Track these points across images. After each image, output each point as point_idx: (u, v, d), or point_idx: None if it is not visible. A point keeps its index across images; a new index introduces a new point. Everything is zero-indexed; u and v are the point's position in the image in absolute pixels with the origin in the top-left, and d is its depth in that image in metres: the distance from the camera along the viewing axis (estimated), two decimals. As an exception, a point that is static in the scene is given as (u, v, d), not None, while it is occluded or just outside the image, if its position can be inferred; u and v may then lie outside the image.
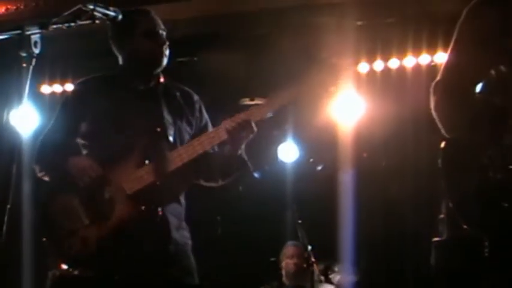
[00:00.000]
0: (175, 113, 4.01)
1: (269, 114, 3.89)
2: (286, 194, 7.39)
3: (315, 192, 7.42)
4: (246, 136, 3.83)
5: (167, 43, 4.02)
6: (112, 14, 3.10)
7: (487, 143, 3.01)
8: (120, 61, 4.11)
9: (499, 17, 3.11)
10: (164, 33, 4.03)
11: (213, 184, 4.16)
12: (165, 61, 4.02)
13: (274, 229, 7.31)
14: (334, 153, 7.33)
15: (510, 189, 2.91)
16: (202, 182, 4.18)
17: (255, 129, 3.82)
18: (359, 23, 6.88)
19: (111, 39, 4.10)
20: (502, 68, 3.14)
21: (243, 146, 3.90)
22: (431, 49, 6.94)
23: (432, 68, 6.95)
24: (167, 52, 4.02)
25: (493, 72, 3.18)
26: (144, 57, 4.00)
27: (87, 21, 2.99)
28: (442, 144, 3.17)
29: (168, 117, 3.96)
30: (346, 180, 7.29)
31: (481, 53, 3.15)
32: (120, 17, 3.13)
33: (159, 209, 3.79)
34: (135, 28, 3.98)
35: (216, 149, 4.00)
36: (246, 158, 4.00)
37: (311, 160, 7.97)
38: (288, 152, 7.83)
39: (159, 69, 4.03)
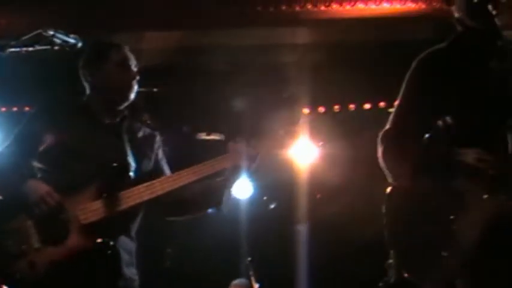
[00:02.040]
0: (137, 150, 3.99)
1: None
2: (238, 231, 7.39)
3: (267, 230, 7.44)
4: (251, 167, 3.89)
5: (137, 78, 4.01)
6: (72, 41, 3.10)
7: (430, 193, 3.07)
8: (88, 90, 4.09)
9: (447, 70, 3.20)
10: (136, 68, 4.03)
11: (178, 217, 4.16)
12: (132, 95, 4.00)
13: (224, 265, 7.29)
14: (288, 192, 7.37)
15: (450, 239, 2.96)
16: (165, 217, 4.17)
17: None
18: (319, 65, 6.97)
19: (82, 67, 4.07)
20: (448, 119, 3.21)
21: (234, 183, 3.93)
22: (389, 95, 7.03)
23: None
24: (136, 86, 4.01)
25: (440, 123, 3.26)
26: (113, 88, 3.96)
27: (46, 47, 2.99)
28: (388, 190, 3.23)
29: (129, 154, 3.95)
30: (300, 221, 7.33)
31: (428, 105, 3.22)
32: (79, 44, 3.14)
33: (111, 244, 3.78)
34: (108, 58, 3.97)
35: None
36: (226, 197, 3.99)
37: (265, 198, 7.99)
38: (242, 188, 7.84)
39: (126, 103, 4.01)
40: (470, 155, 3.04)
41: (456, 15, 3.26)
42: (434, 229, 3.02)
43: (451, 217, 2.98)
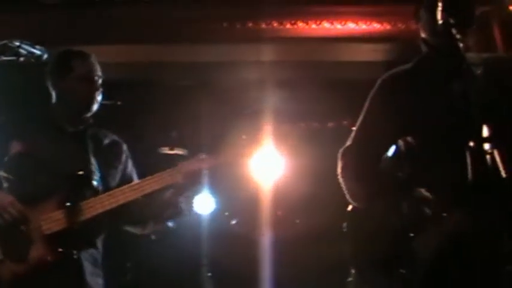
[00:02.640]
0: (101, 159, 3.99)
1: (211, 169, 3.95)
2: (199, 246, 7.38)
3: (228, 246, 7.43)
4: (195, 185, 3.88)
5: (101, 90, 4.01)
6: (38, 52, 3.10)
7: (389, 211, 3.10)
8: (53, 99, 4.08)
9: (410, 91, 3.24)
10: (100, 80, 4.02)
11: (139, 230, 4.15)
12: (95, 107, 4.00)
13: (184, 280, 7.26)
14: (250, 208, 7.37)
15: (409, 256, 2.99)
16: (129, 228, 4.16)
17: (203, 180, 3.87)
18: (283, 82, 7.01)
19: (48, 75, 4.07)
20: (409, 139, 3.25)
21: (186, 193, 3.93)
22: (352, 113, 7.08)
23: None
24: (99, 98, 4.00)
25: (401, 142, 3.29)
26: (75, 99, 3.96)
27: (12, 57, 2.98)
28: (349, 208, 3.26)
29: (94, 162, 3.94)
30: (261, 236, 7.33)
31: (390, 124, 3.26)
32: (45, 55, 3.14)
33: (75, 253, 3.76)
34: (72, 69, 3.97)
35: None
36: (183, 206, 4.00)
37: (226, 214, 7.99)
38: (204, 203, 7.83)
39: (88, 114, 4.01)
40: (428, 174, 3.08)
41: (422, 35, 3.31)
42: (393, 247, 3.05)
43: (411, 235, 3.01)
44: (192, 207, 7.76)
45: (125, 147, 4.20)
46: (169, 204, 3.97)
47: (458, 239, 2.95)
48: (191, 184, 3.91)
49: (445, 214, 2.98)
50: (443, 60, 3.10)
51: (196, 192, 7.77)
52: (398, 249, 3.03)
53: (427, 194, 3.04)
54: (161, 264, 7.55)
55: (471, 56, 3.22)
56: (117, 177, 4.07)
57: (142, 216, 4.05)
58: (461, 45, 2.93)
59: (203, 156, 3.96)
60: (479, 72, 3.15)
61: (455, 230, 2.96)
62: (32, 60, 3.05)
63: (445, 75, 3.10)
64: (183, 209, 4.04)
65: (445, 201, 2.99)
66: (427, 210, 3.01)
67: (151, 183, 3.86)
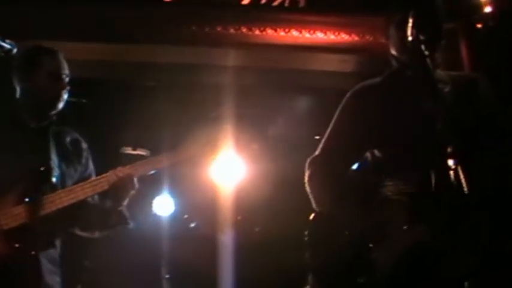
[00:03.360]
0: (62, 156, 3.97)
1: (152, 172, 3.92)
2: (157, 247, 7.35)
3: (187, 248, 7.41)
4: (127, 191, 3.83)
5: (67, 88, 3.99)
6: (7, 46, 3.07)
7: (352, 221, 3.12)
8: (17, 94, 4.05)
9: (379, 104, 3.28)
10: (67, 78, 4.00)
11: (88, 235, 4.13)
12: (61, 105, 3.98)
13: (141, 281, 7.23)
14: (209, 212, 7.37)
15: (367, 266, 3.02)
16: (78, 231, 4.13)
17: (137, 185, 3.83)
18: (249, 88, 7.02)
19: (15, 69, 4.03)
20: (376, 152, 3.29)
21: (125, 202, 3.90)
22: (316, 122, 7.12)
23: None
24: (65, 96, 3.98)
25: (368, 155, 3.33)
26: (41, 95, 3.94)
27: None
28: (311, 217, 3.28)
29: (54, 159, 3.91)
30: (220, 240, 7.33)
31: (358, 137, 3.30)
32: (15, 50, 3.11)
33: (32, 250, 3.72)
34: (40, 65, 3.94)
35: (97, 200, 3.98)
36: (127, 214, 3.98)
37: (185, 216, 7.97)
38: (163, 205, 7.81)
39: (53, 112, 3.98)
40: (392, 187, 3.12)
41: (392, 51, 3.35)
42: (353, 256, 3.08)
43: (370, 245, 3.04)
44: (152, 208, 7.75)
45: (85, 146, 4.18)
46: (110, 213, 3.94)
47: (417, 252, 2.98)
48: (115, 191, 3.86)
49: (406, 227, 3.02)
50: (412, 76, 3.14)
51: (156, 193, 7.76)
52: (358, 259, 3.06)
53: (392, 207, 3.08)
54: (119, 264, 7.51)
55: (440, 73, 3.27)
56: (76, 176, 4.05)
57: (89, 223, 4.04)
58: (429, 61, 2.97)
59: (154, 157, 3.96)
60: (447, 90, 3.20)
61: (415, 243, 3.00)
62: (2, 54, 3.02)
63: (414, 91, 3.14)
64: (126, 218, 4.02)
65: (407, 214, 3.03)
66: (389, 223, 3.05)
67: (105, 181, 3.84)
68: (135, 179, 3.83)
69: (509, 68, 5.63)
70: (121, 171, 3.82)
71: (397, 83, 3.33)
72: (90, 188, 3.84)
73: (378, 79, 3.45)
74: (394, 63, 3.37)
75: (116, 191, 3.81)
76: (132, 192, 3.85)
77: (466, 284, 2.65)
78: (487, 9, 6.17)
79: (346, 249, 3.12)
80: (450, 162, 2.68)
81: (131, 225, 4.01)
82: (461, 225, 2.74)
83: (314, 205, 3.34)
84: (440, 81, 3.21)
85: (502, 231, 3.05)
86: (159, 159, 3.96)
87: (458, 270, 2.66)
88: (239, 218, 7.79)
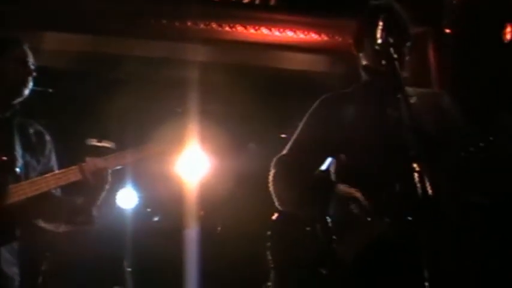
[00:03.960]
0: (25, 147, 3.93)
1: (119, 167, 3.90)
2: (120, 240, 7.34)
3: (150, 241, 7.41)
4: (102, 186, 3.81)
5: (33, 74, 3.96)
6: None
7: (312, 218, 3.16)
8: None
9: (348, 111, 3.33)
10: (33, 66, 3.98)
11: (52, 228, 4.10)
12: (26, 92, 3.95)
13: (103, 273, 7.21)
14: (173, 206, 7.37)
15: (329, 257, 3.06)
16: (42, 223, 4.09)
17: (110, 179, 3.80)
18: (217, 84, 7.04)
19: None
20: (343, 157, 3.33)
21: (99, 200, 3.87)
22: (283, 121, 7.16)
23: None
24: (31, 83, 3.96)
25: (334, 159, 3.37)
26: (6, 82, 3.92)
27: None
28: (274, 216, 3.32)
29: (18, 150, 3.88)
30: (182, 234, 7.34)
31: (326, 140, 3.34)
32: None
33: None
34: (7, 50, 3.92)
35: (61, 194, 3.94)
36: (96, 214, 3.94)
37: (148, 210, 7.97)
38: (127, 198, 7.79)
39: (18, 99, 3.95)
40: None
41: (363, 62, 3.41)
42: (315, 248, 3.11)
43: (333, 237, 3.08)
44: (115, 201, 7.73)
45: (49, 138, 4.15)
46: (81, 211, 3.92)
47: (379, 245, 3.03)
48: (89, 183, 3.83)
49: (369, 219, 3.06)
50: (381, 85, 3.20)
51: (119, 186, 7.74)
52: (320, 251, 3.10)
53: (355, 195, 3.12)
54: (81, 255, 7.48)
55: (407, 88, 3.32)
56: (38, 168, 4.01)
57: (55, 217, 4.01)
58: (398, 64, 3.01)
59: (125, 151, 3.93)
60: (413, 101, 3.26)
61: (377, 237, 3.04)
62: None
63: (381, 100, 3.21)
64: (94, 218, 3.99)
65: (371, 208, 3.07)
66: (353, 215, 3.09)
67: (75, 173, 3.82)
68: (108, 173, 3.80)
69: (475, 73, 5.71)
70: (94, 163, 3.78)
71: (365, 93, 3.42)
72: (53, 180, 3.81)
73: (348, 89, 3.54)
74: (364, 74, 3.44)
75: (89, 185, 3.78)
76: (107, 187, 3.82)
77: (425, 276, 2.69)
78: (456, 14, 6.25)
79: (308, 243, 3.16)
80: (415, 165, 2.73)
81: (96, 225, 3.98)
82: (423, 225, 2.79)
83: (276, 204, 3.37)
84: (408, 95, 3.26)
85: (461, 231, 3.12)
86: (126, 155, 3.94)
87: (418, 262, 2.70)
88: (202, 213, 7.80)
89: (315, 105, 3.49)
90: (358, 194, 3.13)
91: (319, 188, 3.29)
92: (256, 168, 6.70)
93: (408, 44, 3.38)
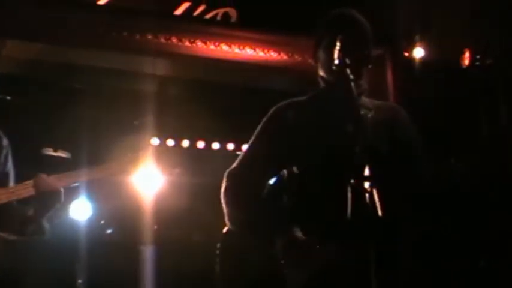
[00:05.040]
0: None
1: (75, 184, 3.87)
2: (72, 251, 7.27)
3: (102, 254, 7.36)
4: (53, 204, 3.78)
5: None
6: None
7: (262, 239, 3.17)
8: None
9: (301, 123, 3.32)
10: None
11: (4, 236, 4.05)
12: None
13: (54, 285, 7.14)
14: (127, 219, 7.34)
15: (280, 282, 3.06)
16: None
17: (63, 199, 3.77)
18: (175, 98, 7.05)
19: None
20: (295, 169, 3.32)
21: (48, 214, 3.83)
22: (239, 137, 7.18)
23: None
24: None
25: (285, 172, 3.37)
26: None
27: None
28: (224, 230, 3.30)
29: None
30: (136, 247, 7.30)
31: (277, 153, 3.33)
32: None
33: None
34: None
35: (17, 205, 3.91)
36: (46, 226, 3.91)
37: (102, 222, 7.91)
38: (80, 210, 7.72)
39: None
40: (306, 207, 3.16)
41: (319, 72, 3.39)
42: (264, 271, 3.11)
43: (282, 261, 3.08)
44: (68, 212, 7.66)
45: (6, 143, 4.11)
46: (31, 221, 3.88)
47: (328, 271, 3.03)
48: (39, 201, 3.81)
49: (318, 246, 3.06)
50: (336, 98, 3.18)
51: (73, 197, 7.67)
52: (269, 274, 3.10)
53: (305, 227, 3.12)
54: (32, 267, 7.40)
55: (364, 100, 3.33)
56: None
57: (6, 226, 3.97)
58: (354, 85, 3.01)
59: (80, 170, 3.91)
60: (370, 115, 3.26)
61: (326, 263, 3.04)
62: None
63: (337, 113, 3.18)
64: (45, 230, 3.95)
65: (321, 233, 3.07)
66: (302, 240, 3.09)
67: (28, 188, 3.78)
68: (62, 192, 3.77)
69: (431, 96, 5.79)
70: (47, 182, 3.75)
71: (321, 103, 3.36)
72: (5, 195, 3.76)
73: (303, 98, 3.47)
74: (321, 83, 3.42)
75: (41, 201, 3.75)
76: (58, 205, 3.79)
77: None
78: (415, 37, 6.33)
79: (257, 264, 3.15)
80: (366, 184, 2.72)
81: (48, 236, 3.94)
82: (373, 248, 2.78)
83: (226, 219, 3.34)
84: (364, 107, 3.26)
85: (412, 254, 3.13)
86: (81, 174, 3.91)
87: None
88: (155, 227, 7.77)
89: (267, 115, 3.42)
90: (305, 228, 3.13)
91: (269, 206, 3.28)
92: (211, 182, 6.74)
93: (367, 66, 3.36)
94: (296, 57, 6.56)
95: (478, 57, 5.68)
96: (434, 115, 5.50)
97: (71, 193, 7.50)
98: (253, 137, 3.43)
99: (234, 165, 3.43)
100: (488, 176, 3.24)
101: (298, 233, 3.10)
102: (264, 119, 3.42)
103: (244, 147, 3.53)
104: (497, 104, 5.56)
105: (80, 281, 6.62)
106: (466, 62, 5.78)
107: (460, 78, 5.85)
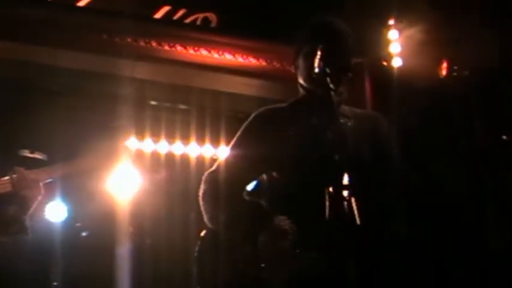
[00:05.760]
0: None
1: (50, 180, 3.86)
2: (48, 254, 7.23)
3: (77, 256, 7.33)
4: (34, 197, 3.76)
5: None
6: None
7: (241, 241, 3.18)
8: None
9: (281, 129, 3.34)
10: None
11: None
12: None
13: (28, 286, 7.10)
14: (102, 221, 7.31)
15: (257, 285, 3.08)
16: None
17: (42, 191, 3.76)
18: (153, 102, 7.04)
19: None
20: (274, 174, 3.35)
21: (30, 210, 3.82)
22: (215, 141, 7.19)
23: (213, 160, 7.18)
24: None
25: (265, 176, 3.39)
26: None
27: None
28: (202, 233, 3.31)
29: None
30: (112, 250, 7.27)
31: (257, 158, 3.34)
32: None
33: None
34: None
35: None
36: (28, 224, 3.90)
37: (78, 224, 7.87)
38: (56, 212, 7.68)
39: None
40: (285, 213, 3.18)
41: (299, 80, 3.41)
42: (242, 274, 3.13)
43: (262, 265, 3.09)
44: (44, 214, 7.62)
45: None
46: (13, 221, 3.86)
47: (306, 276, 3.05)
48: (19, 194, 3.79)
49: (298, 251, 3.08)
50: (316, 106, 3.20)
51: (49, 199, 7.64)
52: (248, 278, 3.11)
53: (285, 226, 3.13)
54: (5, 268, 7.35)
55: (344, 108, 3.36)
56: None
57: None
58: (333, 94, 3.03)
59: (56, 165, 3.89)
60: (349, 124, 3.28)
61: (305, 268, 3.06)
62: None
63: (316, 121, 3.20)
64: (27, 228, 3.94)
65: (300, 238, 3.09)
66: (282, 244, 3.10)
67: (5, 184, 3.77)
68: (41, 185, 3.76)
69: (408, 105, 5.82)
70: (24, 176, 3.74)
71: (301, 111, 3.39)
72: None
73: (284, 104, 3.51)
74: (301, 91, 3.44)
75: (21, 197, 3.73)
76: (39, 198, 3.78)
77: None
78: (394, 47, 6.37)
79: (235, 267, 3.16)
80: (345, 193, 2.74)
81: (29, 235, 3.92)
82: (350, 257, 2.79)
83: (205, 220, 3.35)
84: (344, 116, 3.29)
85: (390, 262, 3.16)
86: (57, 168, 3.90)
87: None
88: (131, 229, 7.75)
89: (248, 120, 3.46)
90: (288, 227, 3.14)
91: (247, 211, 3.29)
92: (188, 185, 6.75)
93: (347, 75, 3.38)
94: (275, 63, 6.58)
95: (455, 68, 5.73)
96: (411, 124, 5.53)
97: (47, 194, 7.50)
98: (233, 142, 3.46)
99: (212, 169, 3.45)
100: (463, 185, 3.29)
101: (280, 235, 3.13)
102: (244, 125, 3.45)
103: (223, 151, 3.55)
104: (473, 115, 5.61)
105: (55, 283, 6.58)
106: (444, 72, 5.82)
107: (437, 89, 5.89)
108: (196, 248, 3.30)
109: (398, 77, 6.16)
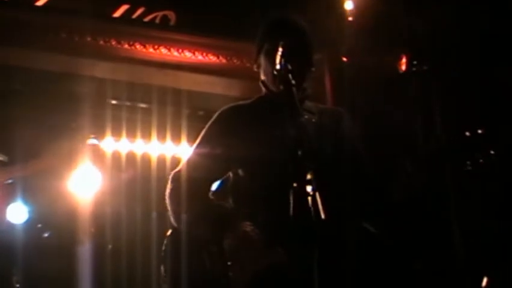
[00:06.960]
0: None
1: (10, 180, 3.84)
2: (10, 255, 7.17)
3: (40, 257, 7.28)
4: None
5: None
6: None
7: (208, 240, 3.19)
8: None
9: (246, 126, 3.36)
10: None
11: None
12: None
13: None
14: (64, 222, 7.27)
15: (225, 283, 3.09)
16: None
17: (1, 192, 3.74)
18: (113, 101, 7.01)
19: None
20: (240, 172, 3.37)
21: None
22: (177, 140, 7.19)
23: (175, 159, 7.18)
24: None
25: (231, 174, 3.40)
26: None
27: None
28: (168, 232, 3.32)
29: None
30: (74, 251, 7.25)
31: (222, 155, 3.36)
32: None
33: None
34: None
35: None
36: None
37: (39, 225, 7.82)
38: (17, 213, 7.62)
39: None
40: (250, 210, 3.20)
41: (262, 77, 3.43)
42: (210, 272, 3.14)
43: (228, 263, 3.11)
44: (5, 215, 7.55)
45: None
46: None
47: (272, 272, 3.07)
48: None
49: (264, 248, 3.10)
50: (279, 103, 3.21)
51: (10, 200, 7.57)
52: (215, 276, 3.13)
53: (249, 229, 3.16)
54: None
55: (308, 104, 3.38)
56: None
57: None
58: (295, 90, 3.04)
59: (15, 166, 3.89)
60: (314, 120, 3.31)
61: (271, 264, 3.09)
62: None
63: (279, 118, 3.21)
64: None
65: (265, 236, 3.11)
66: (247, 242, 3.13)
67: None
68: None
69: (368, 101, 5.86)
70: None
71: (264, 108, 3.40)
72: None
73: (247, 101, 3.53)
74: (263, 88, 3.46)
75: None
76: None
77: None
78: (352, 42, 6.41)
79: (202, 266, 3.18)
80: (308, 188, 2.76)
81: None
82: (315, 251, 2.81)
83: (172, 221, 3.36)
84: (308, 112, 3.32)
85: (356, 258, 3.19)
86: (16, 168, 3.89)
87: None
88: (93, 229, 7.72)
89: (213, 118, 3.47)
90: (254, 234, 3.17)
91: (213, 210, 3.31)
92: (150, 185, 6.74)
93: (309, 71, 3.39)
94: (235, 61, 6.60)
95: (414, 62, 5.77)
96: (372, 120, 5.57)
97: (8, 195, 7.45)
98: (198, 140, 3.46)
99: (178, 168, 3.46)
100: (424, 183, 3.32)
101: (246, 233, 3.15)
102: (209, 122, 3.46)
103: (184, 149, 3.55)
104: (433, 110, 5.66)
105: (17, 285, 6.54)
106: (403, 67, 5.87)
107: (397, 84, 5.93)
108: (163, 247, 3.31)
109: (358, 72, 6.19)
